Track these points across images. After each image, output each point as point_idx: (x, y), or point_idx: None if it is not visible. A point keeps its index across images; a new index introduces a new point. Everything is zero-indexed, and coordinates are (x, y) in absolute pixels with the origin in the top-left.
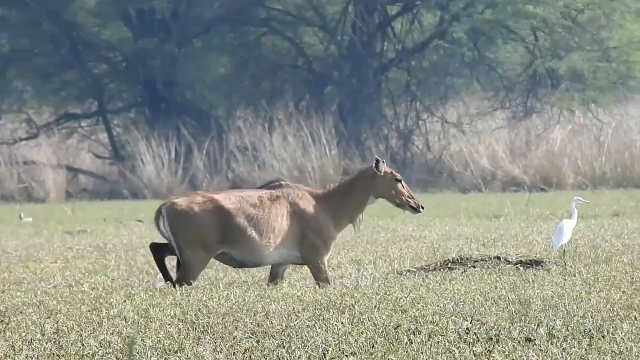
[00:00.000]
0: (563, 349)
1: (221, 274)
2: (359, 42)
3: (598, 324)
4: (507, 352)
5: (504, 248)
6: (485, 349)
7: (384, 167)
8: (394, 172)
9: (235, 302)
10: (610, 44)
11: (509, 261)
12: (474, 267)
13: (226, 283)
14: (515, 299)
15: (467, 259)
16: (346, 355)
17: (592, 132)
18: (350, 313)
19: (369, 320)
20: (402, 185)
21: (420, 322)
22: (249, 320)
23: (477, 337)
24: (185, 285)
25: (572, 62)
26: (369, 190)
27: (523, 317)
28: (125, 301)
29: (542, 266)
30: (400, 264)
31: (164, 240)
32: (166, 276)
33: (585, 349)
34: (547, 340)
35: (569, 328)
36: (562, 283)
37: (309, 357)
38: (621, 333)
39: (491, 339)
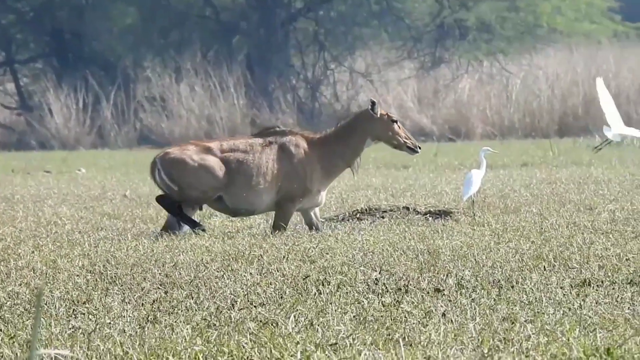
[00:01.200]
0: (472, 299)
1: (129, 225)
2: None
3: (507, 274)
4: (415, 303)
5: (413, 198)
6: (394, 299)
7: (380, 110)
8: (389, 113)
9: (144, 253)
10: None
11: (417, 211)
12: (383, 217)
13: (134, 234)
14: (424, 250)
15: (375, 209)
16: (255, 306)
17: (500, 83)
18: (258, 264)
19: (278, 271)
20: (399, 127)
21: (329, 273)
22: (158, 271)
23: (386, 288)
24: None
25: (480, 12)
26: (366, 133)
27: (432, 268)
28: (33, 252)
29: (450, 216)
30: None
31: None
32: (193, 223)
33: (494, 299)
34: (456, 291)
35: (477, 278)
36: (471, 233)
37: (217, 308)
38: (530, 283)
39: (400, 289)
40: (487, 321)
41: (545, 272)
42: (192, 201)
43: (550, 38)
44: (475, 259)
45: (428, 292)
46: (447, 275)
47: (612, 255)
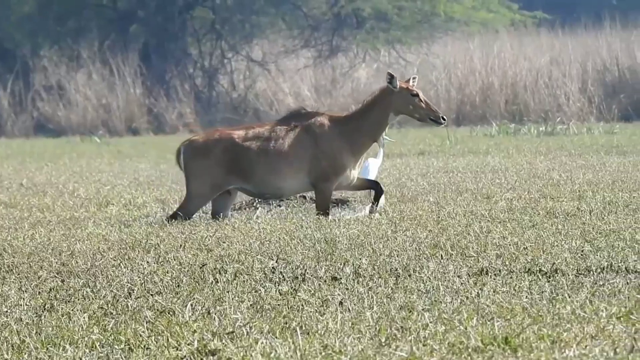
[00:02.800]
0: (369, 287)
1: (26, 214)
2: None
3: (404, 263)
4: (313, 291)
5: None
6: (292, 287)
7: (400, 83)
8: (409, 86)
9: (41, 242)
10: None
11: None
12: (280, 206)
13: (31, 223)
14: (321, 238)
15: None
16: (152, 295)
17: (397, 71)
18: (155, 252)
19: (175, 260)
20: (420, 99)
21: (225, 261)
22: (54, 259)
23: (283, 276)
24: (182, 216)
25: (377, 1)
26: (388, 108)
27: (329, 256)
28: None
29: (348, 205)
30: None
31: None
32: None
33: (392, 288)
34: (353, 279)
35: (375, 267)
36: (368, 222)
37: (114, 296)
38: (427, 272)
39: (297, 277)
40: (385, 310)
41: (442, 260)
42: (196, 191)
43: (447, 27)
44: (372, 248)
45: (325, 281)
46: (344, 264)
47: (510, 244)
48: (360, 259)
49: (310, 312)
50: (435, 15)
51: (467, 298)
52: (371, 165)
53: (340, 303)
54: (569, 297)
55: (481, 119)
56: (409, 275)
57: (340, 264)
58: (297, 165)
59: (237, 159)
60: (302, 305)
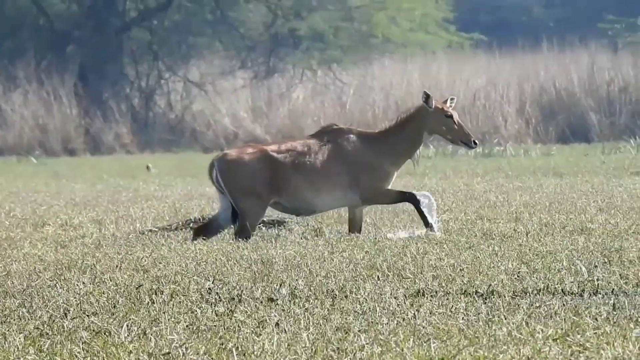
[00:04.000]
0: (305, 308)
1: None
2: (101, 2)
3: (341, 284)
4: (249, 312)
5: None
6: (228, 308)
7: (435, 103)
8: (445, 107)
9: None
10: (353, 4)
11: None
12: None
13: None
14: (257, 259)
15: (209, 218)
16: (88, 315)
17: (334, 92)
18: (91, 273)
19: (111, 280)
20: (454, 121)
21: (162, 282)
22: None
23: (219, 297)
24: (245, 235)
25: (314, 22)
26: (422, 127)
27: (265, 277)
28: None
29: (284, 226)
30: (142, 224)
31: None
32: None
33: (328, 309)
34: (290, 300)
35: (311, 288)
36: (304, 243)
37: (50, 317)
38: (364, 293)
39: (233, 298)
40: (321, 331)
41: (379, 282)
42: (246, 207)
43: (385, 48)
44: (309, 269)
45: (261, 302)
46: (280, 285)
47: (446, 266)
48: (296, 279)
49: (247, 333)
50: (373, 37)
51: (404, 319)
52: None
53: (277, 324)
54: (505, 319)
55: None
56: (346, 297)
57: (277, 285)
58: (334, 181)
59: (273, 173)
60: (239, 326)
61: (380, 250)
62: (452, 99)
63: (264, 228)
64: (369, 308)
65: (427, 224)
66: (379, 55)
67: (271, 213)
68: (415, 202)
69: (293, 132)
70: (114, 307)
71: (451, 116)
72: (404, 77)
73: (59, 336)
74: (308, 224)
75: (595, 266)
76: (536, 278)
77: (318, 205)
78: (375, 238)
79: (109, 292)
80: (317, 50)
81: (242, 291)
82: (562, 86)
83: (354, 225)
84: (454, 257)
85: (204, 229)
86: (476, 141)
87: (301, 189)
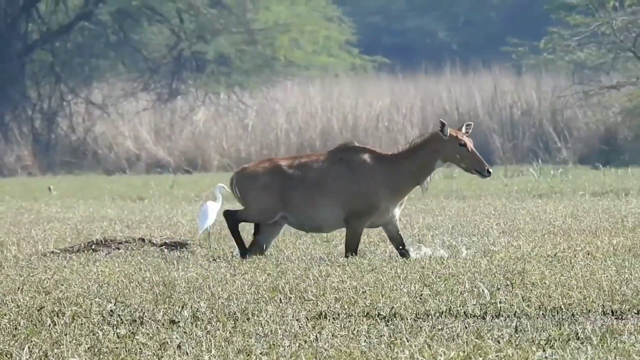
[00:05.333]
0: (207, 331)
1: None
2: (3, 23)
3: (243, 306)
4: (151, 334)
5: (149, 230)
6: (130, 330)
7: (450, 131)
8: (459, 136)
9: None
10: (256, 27)
11: (153, 243)
12: (119, 249)
13: None
14: (159, 281)
15: (111, 240)
16: None
17: (237, 115)
18: None
19: (12, 302)
20: (468, 150)
21: (63, 304)
22: None
23: (121, 319)
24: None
25: (218, 45)
26: (436, 154)
27: (167, 299)
28: None
29: (187, 248)
30: (44, 246)
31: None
32: (241, 247)
33: (230, 331)
34: (192, 323)
35: (213, 310)
36: (206, 265)
37: None
38: (266, 315)
39: (135, 321)
40: (223, 353)
41: (281, 304)
42: (254, 219)
43: (288, 71)
44: (211, 291)
45: (163, 324)
46: (182, 307)
47: (349, 288)
48: (198, 302)
49: (149, 355)
50: (276, 59)
51: (306, 342)
52: (210, 209)
53: (179, 346)
54: (408, 341)
55: None
56: (248, 319)
57: (179, 307)
58: (332, 198)
59: (282, 187)
60: (140, 348)
61: (283, 273)
62: (468, 125)
63: (166, 250)
64: (271, 330)
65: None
66: (282, 78)
67: (173, 234)
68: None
69: (195, 154)
70: (15, 329)
71: (465, 144)
72: (306, 99)
73: None
74: (210, 247)
75: (498, 289)
76: (439, 300)
77: (319, 221)
78: (277, 260)
79: (10, 314)
80: (221, 74)
81: (144, 313)
82: (465, 109)
83: (395, 241)
84: (357, 280)
85: (252, 248)
86: (490, 170)
87: (302, 205)
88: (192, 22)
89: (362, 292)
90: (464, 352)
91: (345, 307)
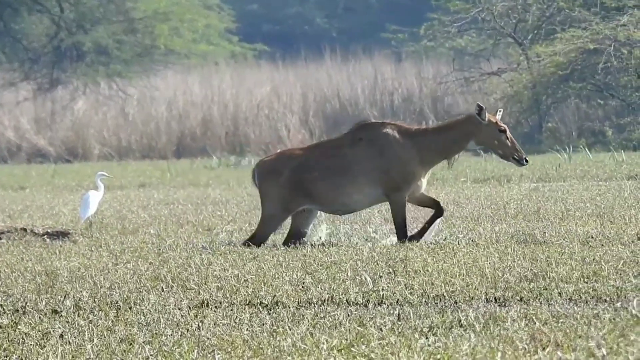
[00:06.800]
0: (90, 320)
1: None
2: None
3: (125, 296)
4: (33, 324)
5: (30, 220)
6: (12, 320)
7: (489, 116)
8: (499, 122)
9: None
10: (136, 15)
11: (35, 233)
12: (0, 239)
13: None
14: (42, 271)
15: None
16: None
17: (117, 104)
18: None
19: None
20: (507, 137)
21: None
22: None
23: (4, 309)
24: (256, 241)
25: (97, 35)
26: (470, 136)
27: (50, 289)
28: None
29: (68, 237)
30: None
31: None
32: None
33: (112, 320)
34: (74, 312)
35: (95, 300)
36: (89, 254)
37: None
38: (148, 304)
39: (17, 310)
40: (105, 342)
41: (163, 293)
42: (269, 213)
43: (167, 60)
44: (93, 280)
45: (45, 314)
46: (64, 297)
47: (231, 277)
48: (81, 291)
49: (31, 345)
50: (156, 48)
51: (188, 330)
52: (91, 198)
53: (61, 336)
54: (290, 330)
55: (202, 151)
56: (130, 308)
57: (61, 297)
58: (363, 179)
59: (302, 179)
60: (23, 338)
61: (165, 261)
62: (499, 111)
63: (48, 240)
64: (153, 319)
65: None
66: (162, 67)
67: (55, 224)
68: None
69: (76, 144)
70: None
71: (505, 131)
72: (186, 88)
73: None
74: (92, 236)
75: (380, 276)
76: (321, 288)
77: (351, 205)
78: (160, 249)
79: None
80: (100, 64)
81: (26, 303)
82: (346, 96)
83: (425, 204)
84: (238, 268)
85: (290, 238)
86: (527, 158)
87: (331, 193)
88: (72, 12)
89: (244, 280)
90: (346, 339)
91: (228, 295)
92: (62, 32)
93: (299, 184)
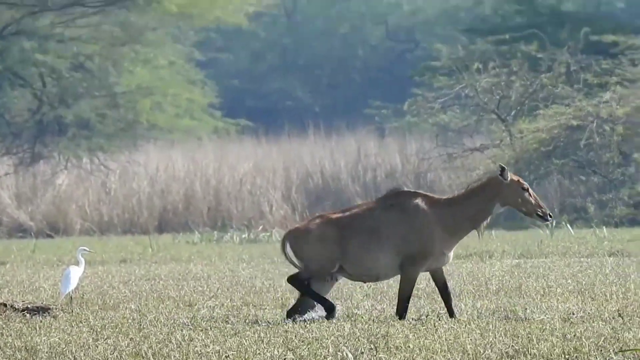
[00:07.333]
0: None
1: None
2: None
3: None
4: None
5: (11, 295)
6: None
7: (511, 175)
8: (520, 180)
9: None
10: (118, 90)
11: (15, 308)
12: None
13: None
14: (21, 346)
15: None
16: None
17: (99, 178)
18: None
19: None
20: (530, 194)
21: None
22: None
23: None
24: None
25: (79, 110)
26: (495, 198)
27: None
28: None
29: (49, 313)
30: None
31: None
32: (324, 301)
33: None
34: None
35: None
36: (69, 330)
37: None
38: None
39: None
40: None
41: None
42: (315, 273)
43: (150, 135)
44: (73, 356)
45: None
46: None
47: (212, 353)
48: None
49: None
50: (138, 122)
51: None
52: (72, 273)
53: None
54: None
55: (184, 227)
56: None
57: None
58: (387, 245)
59: (338, 237)
60: None
61: (146, 337)
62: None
63: (28, 315)
64: None
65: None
66: (145, 142)
67: (35, 299)
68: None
69: (57, 219)
70: None
71: (527, 189)
72: (169, 163)
73: None
74: (73, 312)
75: (362, 352)
76: None
77: (379, 270)
78: (140, 325)
79: None
80: (82, 138)
81: None
82: (329, 172)
83: (439, 286)
84: (220, 344)
85: (296, 308)
86: (551, 214)
87: (359, 254)
88: (54, 86)
89: (226, 357)
90: None
91: None
92: (45, 106)
93: (333, 240)
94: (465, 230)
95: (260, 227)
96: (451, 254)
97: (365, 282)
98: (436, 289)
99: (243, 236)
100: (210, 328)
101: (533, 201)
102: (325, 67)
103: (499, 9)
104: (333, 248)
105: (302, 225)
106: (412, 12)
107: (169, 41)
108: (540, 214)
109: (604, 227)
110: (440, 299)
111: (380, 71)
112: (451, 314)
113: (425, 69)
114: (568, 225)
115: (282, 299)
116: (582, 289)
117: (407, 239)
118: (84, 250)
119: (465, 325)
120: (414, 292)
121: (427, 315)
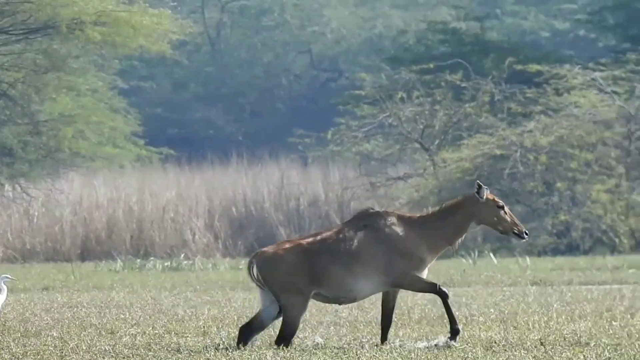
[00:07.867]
0: None
1: None
2: None
3: None
4: None
5: None
6: None
7: (487, 194)
8: (496, 198)
9: None
10: (41, 117)
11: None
12: None
13: None
14: None
15: None
16: None
17: (21, 206)
18: None
19: None
20: (505, 212)
21: None
22: None
23: None
24: (287, 335)
25: (2, 137)
26: (471, 217)
27: None
28: None
29: None
30: None
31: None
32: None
33: None
34: None
35: None
36: None
37: None
38: None
39: None
40: None
41: None
42: (287, 302)
43: (72, 162)
44: None
45: None
46: None
47: None
48: None
49: None
50: (60, 150)
51: None
52: None
53: None
54: None
55: (106, 254)
56: None
57: None
58: (371, 265)
59: (310, 264)
60: None
61: None
62: (486, 189)
63: None
64: None
65: (453, 326)
66: (67, 169)
67: None
68: (444, 297)
69: None
70: None
71: (503, 207)
72: (92, 190)
73: None
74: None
75: None
76: None
77: (358, 292)
78: (62, 352)
79: None
80: (4, 165)
81: None
82: (252, 200)
83: (386, 308)
84: None
85: (247, 328)
86: (527, 232)
87: (339, 277)
88: None
89: None
90: None
91: None
92: None
93: (306, 269)
94: (441, 247)
95: (183, 255)
96: (426, 271)
97: (340, 305)
98: (380, 311)
99: (165, 264)
100: (132, 356)
101: (509, 219)
102: (248, 96)
103: (423, 38)
104: (305, 276)
105: (271, 249)
106: (336, 41)
107: (92, 69)
108: (517, 232)
109: (527, 256)
110: (364, 328)
111: (304, 100)
112: (384, 339)
113: (349, 97)
114: (491, 254)
115: (204, 327)
116: (505, 318)
117: (392, 257)
118: (6, 277)
119: (388, 354)
120: (337, 320)
121: (350, 343)
